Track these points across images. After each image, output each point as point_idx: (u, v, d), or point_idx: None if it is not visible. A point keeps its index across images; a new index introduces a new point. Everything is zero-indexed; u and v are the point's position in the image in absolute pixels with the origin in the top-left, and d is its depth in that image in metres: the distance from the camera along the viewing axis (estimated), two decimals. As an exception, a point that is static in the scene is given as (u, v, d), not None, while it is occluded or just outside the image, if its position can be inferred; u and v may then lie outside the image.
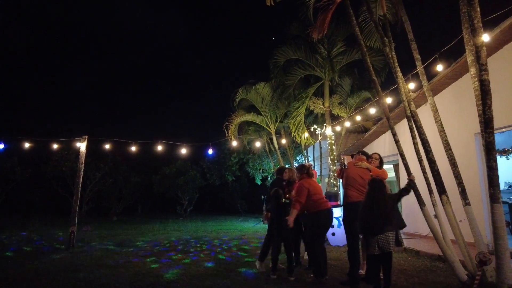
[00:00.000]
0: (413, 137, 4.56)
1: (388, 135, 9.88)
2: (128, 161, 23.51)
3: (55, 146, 9.64)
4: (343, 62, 9.04)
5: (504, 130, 6.49)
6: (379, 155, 5.09)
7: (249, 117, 10.74)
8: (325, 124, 9.52)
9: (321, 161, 11.39)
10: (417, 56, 5.37)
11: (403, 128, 9.25)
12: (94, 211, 21.97)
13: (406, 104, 4.68)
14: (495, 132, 6.94)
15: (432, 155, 4.45)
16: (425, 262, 5.98)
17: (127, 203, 23.29)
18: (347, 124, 9.25)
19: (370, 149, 10.83)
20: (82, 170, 8.28)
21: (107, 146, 8.97)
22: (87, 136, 8.33)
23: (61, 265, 5.92)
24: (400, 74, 4.89)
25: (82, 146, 8.26)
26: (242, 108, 11.24)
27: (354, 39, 9.29)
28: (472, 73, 4.36)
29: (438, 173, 4.35)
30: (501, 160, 9.79)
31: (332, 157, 9.11)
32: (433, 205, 4.26)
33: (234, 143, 10.38)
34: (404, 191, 4.68)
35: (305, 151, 12.16)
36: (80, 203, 18.44)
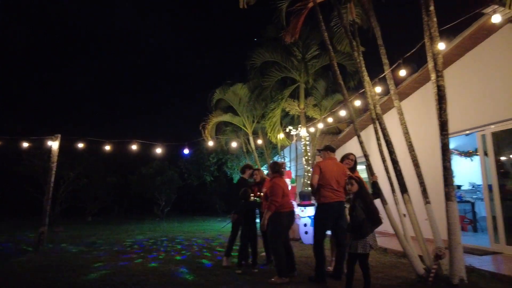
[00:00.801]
0: (378, 139, 4.77)
1: (361, 135, 10.19)
2: (104, 160, 23.02)
3: (26, 145, 9.40)
4: (318, 65, 9.27)
5: (467, 132, 6.85)
6: (354, 156, 5.23)
7: (226, 117, 10.82)
8: (300, 126, 9.72)
9: (297, 161, 11.60)
10: (385, 61, 5.61)
11: (373, 130, 9.58)
12: (68, 212, 21.42)
13: (372, 107, 4.90)
14: (457, 135, 7.35)
15: (395, 156, 4.68)
16: (391, 259, 6.23)
17: (103, 203, 22.81)
18: (321, 125, 9.48)
19: (343, 150, 11.13)
20: (55, 169, 8.13)
21: (81, 145, 8.82)
22: (60, 135, 8.18)
23: (28, 266, 5.81)
24: (367, 78, 5.10)
25: (54, 145, 8.12)
26: (220, 109, 11.30)
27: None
28: (432, 79, 4.62)
29: (400, 173, 4.58)
30: (465, 162, 10.30)
31: (306, 157, 9.31)
32: (396, 204, 4.48)
33: (211, 143, 10.42)
34: (375, 195, 4.90)
35: (282, 152, 12.35)
36: (53, 204, 17.92)
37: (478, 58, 6.57)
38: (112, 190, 23.22)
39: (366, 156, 4.62)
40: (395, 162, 4.60)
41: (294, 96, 10.18)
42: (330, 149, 4.92)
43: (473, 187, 10.38)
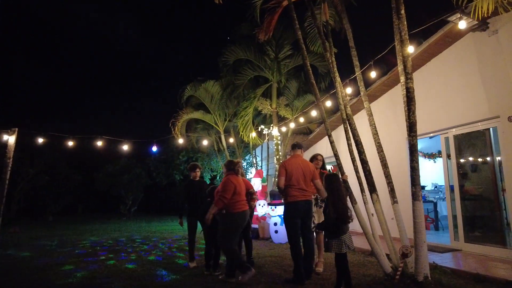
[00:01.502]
0: (348, 139, 4.83)
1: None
2: (68, 157, 22.00)
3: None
4: (291, 65, 9.31)
5: (432, 135, 7.12)
6: (322, 156, 5.28)
7: (198, 114, 10.61)
8: (272, 125, 9.72)
9: (268, 161, 11.61)
10: (356, 63, 5.69)
11: (342, 130, 9.77)
12: (27, 211, 20.24)
13: (343, 108, 4.95)
14: (423, 137, 7.63)
15: (365, 155, 4.76)
16: (359, 258, 6.34)
17: (66, 202, 21.79)
18: (292, 125, 9.53)
19: (313, 149, 11.27)
20: (10, 165, 7.59)
21: (40, 140, 8.29)
22: (17, 129, 7.65)
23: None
24: (338, 79, 5.15)
25: (10, 139, 7.58)
26: (191, 106, 11.05)
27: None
28: (401, 81, 4.73)
29: (370, 173, 4.66)
30: (429, 163, 10.76)
31: (278, 156, 9.32)
32: (364, 203, 4.55)
33: (181, 141, 10.16)
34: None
35: (254, 151, 12.31)
36: (9, 202, 16.84)
37: (442, 64, 6.84)
38: (76, 188, 22.23)
39: (336, 155, 4.66)
40: (364, 162, 4.67)
41: (267, 95, 10.16)
42: (296, 146, 4.84)
43: (436, 187, 10.85)
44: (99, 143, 8.46)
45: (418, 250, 3.95)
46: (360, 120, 8.92)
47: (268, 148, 11.64)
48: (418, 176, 4.02)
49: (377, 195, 4.61)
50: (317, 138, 10.95)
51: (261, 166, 12.63)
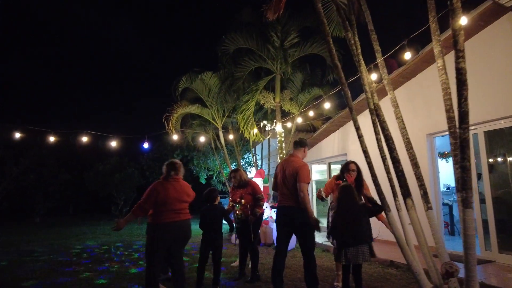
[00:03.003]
0: (376, 133, 4.05)
1: (337, 134, 9.61)
2: (57, 155, 21.02)
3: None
4: (296, 55, 8.52)
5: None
6: (356, 164, 4.47)
7: (194, 109, 9.77)
8: (275, 120, 8.93)
9: (269, 159, 10.82)
10: (377, 47, 4.92)
11: (351, 128, 9.01)
12: (12, 212, 19.23)
13: (369, 95, 4.17)
14: (441, 135, 6.91)
15: (397, 153, 3.99)
16: (378, 269, 5.61)
17: (54, 202, 20.82)
18: (299, 120, 8.75)
19: (319, 148, 10.51)
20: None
21: (18, 135, 7.42)
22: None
23: None
24: (363, 62, 4.38)
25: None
26: (186, 100, 10.21)
27: (308, 32, 8.86)
28: (439, 65, 3.98)
29: (403, 174, 3.89)
30: (441, 163, 10.07)
31: (281, 155, 8.54)
32: (398, 210, 3.78)
33: (175, 137, 9.33)
34: (377, 212, 4.27)
35: (253, 149, 11.51)
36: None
37: (475, 49, 6.11)
38: (65, 188, 21.29)
39: (365, 152, 3.87)
40: (396, 161, 3.90)
41: (268, 89, 9.37)
42: (298, 144, 4.33)
43: (448, 189, 10.17)
44: (85, 139, 7.61)
45: (470, 270, 3.17)
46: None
47: (269, 146, 10.85)
48: (470, 178, 3.25)
49: (412, 200, 3.84)
50: (322, 136, 10.18)
51: (261, 165, 11.84)
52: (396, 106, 4.61)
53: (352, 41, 4.49)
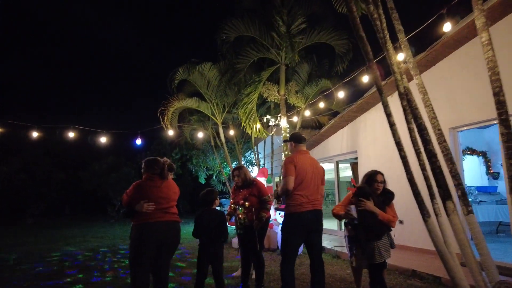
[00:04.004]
0: (408, 122, 3.36)
1: (346, 129, 8.92)
2: (51, 154, 20.38)
3: None
4: (303, 43, 7.83)
5: (484, 124, 5.69)
6: (382, 175, 3.78)
7: (191, 102, 9.07)
8: (279, 115, 8.25)
9: (272, 158, 10.14)
10: (399, 27, 4.24)
11: (362, 123, 8.32)
12: (3, 213, 18.56)
13: (399, 77, 3.48)
14: (472, 127, 6.21)
15: (433, 146, 3.30)
16: (399, 279, 4.94)
17: (49, 203, 20.17)
18: (307, 113, 8.05)
19: (325, 146, 9.83)
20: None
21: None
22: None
23: None
24: (389, 39, 3.69)
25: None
26: (184, 93, 9.53)
27: (315, 19, 8.17)
28: (484, 39, 3.30)
29: (441, 171, 3.20)
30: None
31: (286, 152, 7.86)
32: (437, 215, 3.09)
33: (171, 132, 8.65)
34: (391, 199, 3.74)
35: (255, 147, 10.83)
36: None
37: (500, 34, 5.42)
38: (61, 188, 20.64)
39: (399, 144, 3.17)
40: (432, 155, 3.21)
41: (272, 81, 8.68)
42: (298, 139, 3.84)
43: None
44: (71, 134, 6.93)
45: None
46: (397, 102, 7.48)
47: (272, 143, 10.16)
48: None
49: (453, 202, 3.15)
50: (329, 132, 9.49)
51: (264, 164, 11.16)
52: (424, 92, 3.90)
53: (375, 15, 3.79)
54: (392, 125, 3.17)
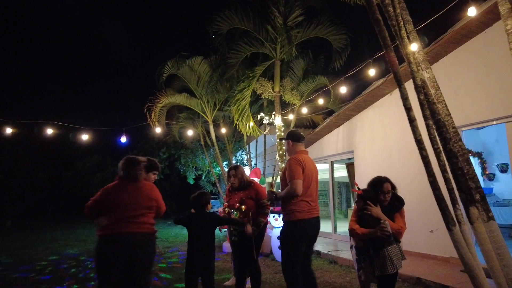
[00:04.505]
0: (426, 118, 3.01)
1: (342, 129, 8.59)
2: (32, 153, 19.52)
3: None
4: (299, 37, 7.47)
5: (495, 122, 5.41)
6: (391, 183, 3.28)
7: (180, 98, 8.59)
8: (273, 113, 7.86)
9: (265, 157, 9.76)
10: (407, 17, 3.93)
11: (358, 122, 8.00)
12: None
13: (415, 68, 3.13)
14: (472, 128, 5.94)
15: (453, 144, 2.96)
16: (404, 286, 4.62)
17: (30, 204, 19.35)
18: (304, 110, 7.68)
19: (320, 145, 9.48)
20: None
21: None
22: None
23: None
24: (403, 26, 3.34)
25: None
26: (172, 89, 9.04)
27: (311, 12, 7.82)
28: (509, 27, 3.00)
29: (463, 173, 2.86)
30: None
31: (281, 152, 7.48)
32: (459, 223, 2.74)
33: (158, 130, 8.17)
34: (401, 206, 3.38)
35: (247, 146, 10.43)
36: None
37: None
38: (43, 188, 19.83)
39: (419, 141, 2.81)
40: (453, 156, 2.87)
41: (265, 77, 8.30)
42: (297, 137, 3.53)
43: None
44: (50, 131, 6.40)
45: None
46: (387, 106, 7.20)
47: (265, 142, 9.78)
48: None
49: (478, 208, 2.82)
50: (324, 131, 9.16)
51: (256, 164, 10.76)
52: (436, 87, 3.59)
53: (387, 0, 3.45)
54: (412, 120, 2.81)
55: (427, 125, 2.96)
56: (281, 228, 3.61)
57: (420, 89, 3.07)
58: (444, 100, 3.53)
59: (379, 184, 3.29)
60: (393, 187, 3.44)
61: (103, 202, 2.84)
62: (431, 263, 5.64)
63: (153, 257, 2.96)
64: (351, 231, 3.31)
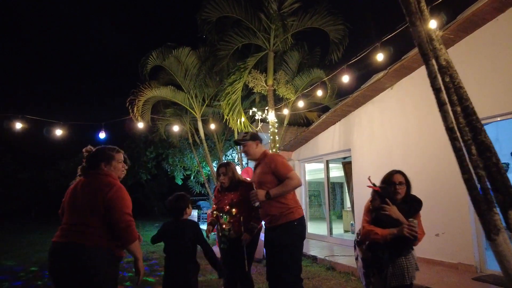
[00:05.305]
0: (453, 103, 2.51)
1: (339, 126, 8.11)
2: (14, 152, 18.67)
3: None
4: (294, 27, 6.97)
5: (499, 119, 4.98)
6: (403, 175, 2.92)
7: (166, 92, 7.99)
8: (266, 108, 7.35)
9: (257, 156, 9.21)
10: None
11: (356, 118, 7.54)
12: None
13: (438, 46, 2.63)
14: (497, 120, 5.49)
15: (485, 135, 2.48)
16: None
17: (11, 205, 18.50)
18: (301, 104, 7.17)
19: (315, 143, 9.00)
20: None
21: None
22: None
23: None
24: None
25: None
26: (158, 82, 8.45)
27: (308, 1, 7.34)
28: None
29: (499, 169, 2.38)
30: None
31: (274, 150, 6.97)
32: (498, 229, 2.25)
33: (141, 125, 7.56)
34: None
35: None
36: None
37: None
38: (25, 189, 19.01)
39: (451, 130, 2.31)
40: (486, 149, 2.38)
41: (258, 70, 7.78)
42: (260, 138, 3.42)
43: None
44: (18, 125, 5.77)
45: None
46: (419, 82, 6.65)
47: (257, 140, 9.23)
48: None
49: (517, 212, 2.33)
50: (319, 129, 8.67)
51: (247, 163, 10.23)
52: (454, 73, 3.13)
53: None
54: (442, 104, 2.31)
55: (455, 112, 2.45)
56: (274, 232, 3.10)
57: (445, 70, 2.57)
58: (463, 87, 3.07)
59: (389, 177, 2.94)
60: (408, 183, 2.99)
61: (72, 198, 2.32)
62: (438, 269, 5.20)
63: (82, 274, 2.09)
64: (367, 234, 2.82)
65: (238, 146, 10.09)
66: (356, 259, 3.19)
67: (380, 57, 5.55)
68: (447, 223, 5.34)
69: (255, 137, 3.31)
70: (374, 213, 2.90)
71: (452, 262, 5.24)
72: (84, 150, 2.57)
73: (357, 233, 3.18)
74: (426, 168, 5.75)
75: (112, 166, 2.43)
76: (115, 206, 2.19)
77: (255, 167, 3.34)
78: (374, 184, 2.99)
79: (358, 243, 3.10)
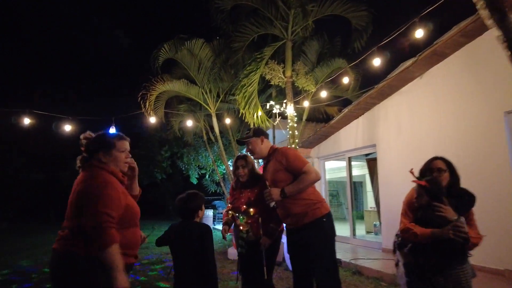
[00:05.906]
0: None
1: (362, 120, 7.58)
2: (26, 152, 18.78)
3: None
4: (314, 14, 6.50)
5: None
6: (446, 161, 2.51)
7: (179, 86, 7.64)
8: (285, 101, 6.91)
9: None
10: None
11: (381, 112, 6.99)
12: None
13: None
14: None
15: None
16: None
17: (26, 205, 18.68)
18: (324, 94, 6.66)
19: (336, 139, 8.48)
20: None
21: None
22: None
23: None
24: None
25: None
26: (171, 76, 8.11)
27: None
28: None
29: None
30: None
31: (294, 146, 6.52)
32: None
33: (153, 120, 7.24)
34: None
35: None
36: None
37: None
38: (39, 189, 19.15)
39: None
40: None
41: (275, 61, 7.36)
42: (266, 133, 3.09)
43: None
44: (27, 121, 5.52)
45: None
46: (416, 92, 6.19)
47: (274, 136, 8.81)
48: None
49: None
50: (341, 124, 8.16)
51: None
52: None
53: None
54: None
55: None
56: (301, 233, 2.69)
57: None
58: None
59: (428, 163, 2.55)
60: (453, 172, 2.52)
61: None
62: (481, 276, 4.63)
63: (60, 279, 1.84)
64: (405, 231, 2.38)
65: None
66: (396, 264, 2.72)
67: (419, 33, 4.94)
68: (491, 224, 4.76)
69: (258, 132, 2.96)
70: (421, 212, 2.44)
71: (497, 268, 4.70)
72: (82, 136, 2.16)
73: (396, 234, 2.71)
74: (463, 164, 5.17)
75: (112, 156, 2.01)
76: (86, 202, 1.79)
77: (265, 166, 2.95)
78: (418, 178, 2.53)
79: (399, 246, 2.63)
